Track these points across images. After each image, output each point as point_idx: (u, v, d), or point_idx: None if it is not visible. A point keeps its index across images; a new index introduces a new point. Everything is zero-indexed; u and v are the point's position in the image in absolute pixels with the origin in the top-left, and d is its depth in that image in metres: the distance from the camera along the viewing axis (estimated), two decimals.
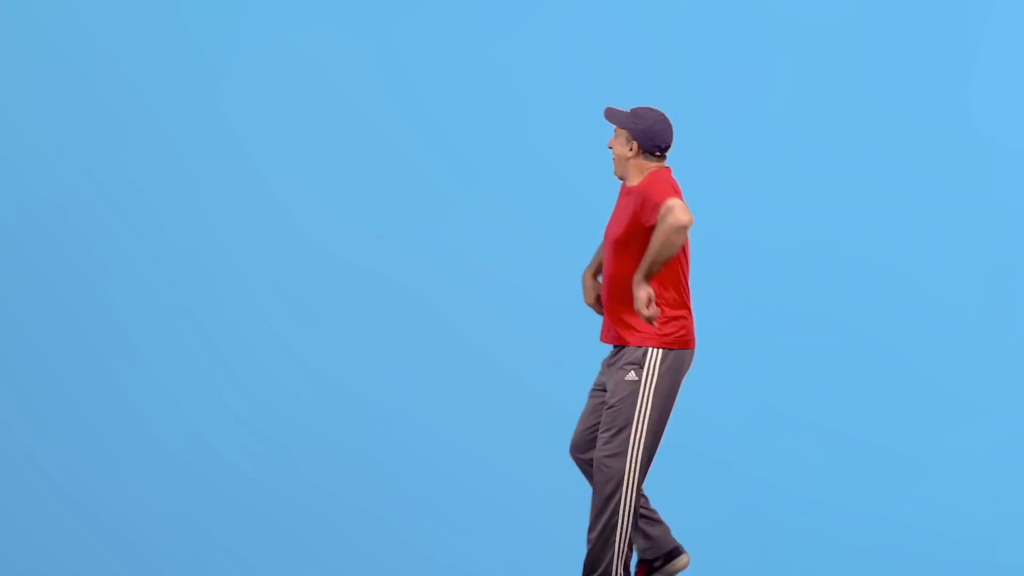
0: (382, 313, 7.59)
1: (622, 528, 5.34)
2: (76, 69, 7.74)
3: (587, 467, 5.47)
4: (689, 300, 5.41)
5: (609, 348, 5.59)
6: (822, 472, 7.34)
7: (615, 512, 5.33)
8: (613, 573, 5.36)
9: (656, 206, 5.19)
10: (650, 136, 5.40)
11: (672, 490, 7.38)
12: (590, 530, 5.40)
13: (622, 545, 5.35)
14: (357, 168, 7.61)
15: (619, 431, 5.29)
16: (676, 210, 5.14)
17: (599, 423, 5.38)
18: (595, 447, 5.37)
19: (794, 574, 7.30)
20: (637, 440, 5.29)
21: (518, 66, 7.63)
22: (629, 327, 5.40)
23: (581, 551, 7.56)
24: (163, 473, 7.60)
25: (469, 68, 7.66)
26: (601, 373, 5.52)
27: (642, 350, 5.32)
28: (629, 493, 5.31)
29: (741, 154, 7.44)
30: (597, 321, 7.65)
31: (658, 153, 5.45)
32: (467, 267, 7.57)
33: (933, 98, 7.39)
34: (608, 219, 5.56)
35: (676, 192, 5.32)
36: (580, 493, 7.56)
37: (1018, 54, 7.39)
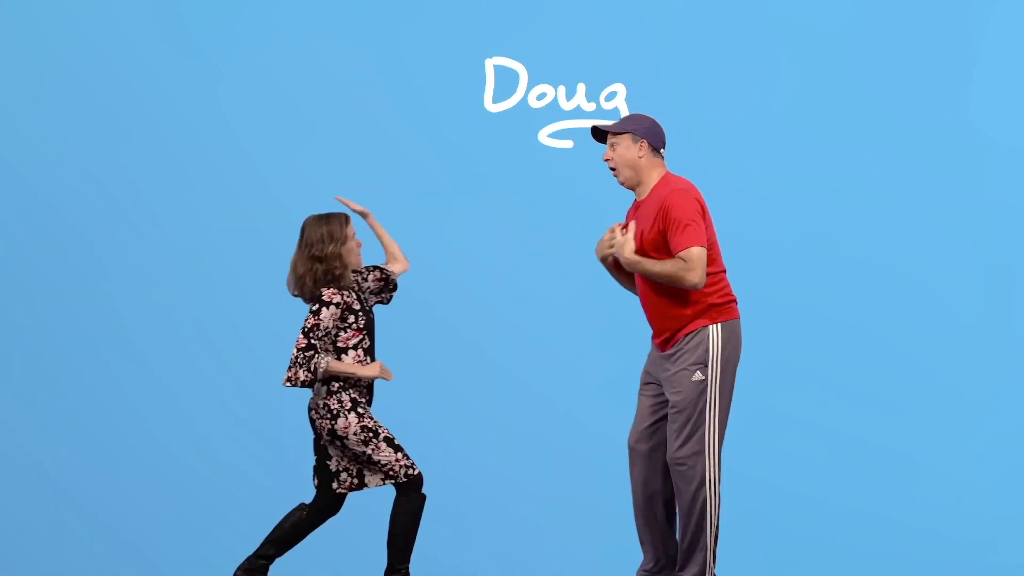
0: (381, 313, 7.59)
1: (710, 524, 5.38)
2: (76, 69, 7.75)
3: (639, 458, 5.49)
4: (724, 271, 5.52)
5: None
6: (822, 472, 7.34)
7: (702, 511, 5.37)
8: (706, 570, 5.40)
9: (679, 239, 5.30)
10: (656, 133, 5.44)
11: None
12: (679, 532, 5.44)
13: (711, 540, 5.37)
14: (357, 168, 7.61)
15: (693, 433, 5.35)
16: (694, 269, 5.30)
17: (658, 420, 5.45)
18: (654, 443, 5.45)
19: (794, 574, 7.30)
20: (712, 436, 5.37)
21: (518, 66, 7.63)
22: (679, 322, 5.41)
23: (581, 551, 7.58)
24: (163, 473, 7.60)
25: (469, 68, 7.66)
26: (651, 366, 5.55)
27: (700, 335, 5.36)
28: (713, 488, 5.36)
29: (741, 154, 7.44)
30: (593, 322, 7.66)
31: (662, 151, 5.48)
32: (467, 267, 7.57)
33: (933, 98, 7.39)
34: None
35: (702, 218, 5.39)
36: (580, 493, 7.58)
37: (1018, 54, 7.39)
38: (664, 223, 5.33)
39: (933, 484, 7.30)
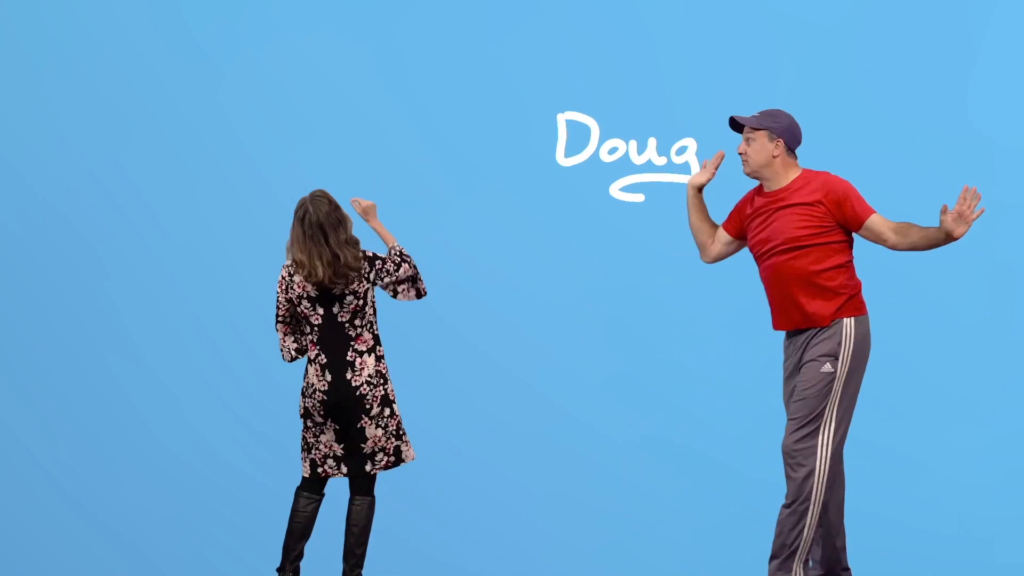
0: (381, 313, 7.59)
1: (808, 523, 5.37)
2: (76, 69, 7.75)
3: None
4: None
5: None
6: None
7: (804, 510, 5.36)
8: (796, 557, 5.40)
9: (861, 213, 5.33)
10: (794, 133, 5.46)
11: (673, 490, 7.40)
12: (785, 506, 5.42)
13: (809, 530, 5.38)
14: (357, 168, 7.61)
15: (812, 424, 5.36)
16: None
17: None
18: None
19: None
20: (828, 431, 5.37)
21: (518, 66, 7.63)
22: (818, 311, 5.36)
23: (581, 551, 7.57)
24: (163, 473, 7.61)
25: (469, 68, 7.67)
26: (787, 361, 5.50)
27: (835, 327, 5.32)
28: (820, 480, 5.35)
29: None
30: (593, 322, 7.66)
31: (796, 149, 5.51)
32: (467, 267, 7.57)
33: (933, 98, 7.39)
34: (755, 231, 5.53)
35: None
36: (580, 493, 7.58)
37: (1018, 54, 7.39)
38: (837, 206, 5.34)
39: (933, 484, 7.30)
